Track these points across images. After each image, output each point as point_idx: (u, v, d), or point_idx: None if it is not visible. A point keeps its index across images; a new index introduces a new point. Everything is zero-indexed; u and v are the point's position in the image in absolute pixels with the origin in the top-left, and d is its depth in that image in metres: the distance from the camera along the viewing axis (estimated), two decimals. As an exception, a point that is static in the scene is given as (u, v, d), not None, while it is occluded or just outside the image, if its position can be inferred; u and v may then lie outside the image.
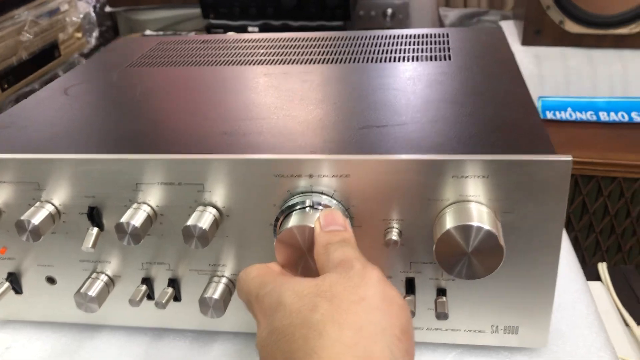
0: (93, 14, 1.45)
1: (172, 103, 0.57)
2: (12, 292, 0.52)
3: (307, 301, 0.33)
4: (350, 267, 0.35)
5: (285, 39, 0.73)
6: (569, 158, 0.39)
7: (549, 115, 1.45)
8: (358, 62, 0.63)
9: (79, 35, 1.43)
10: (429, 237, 0.43)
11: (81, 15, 1.41)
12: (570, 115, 1.45)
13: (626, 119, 1.42)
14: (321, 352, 0.30)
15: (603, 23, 1.51)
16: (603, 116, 1.43)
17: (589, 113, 1.44)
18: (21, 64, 1.27)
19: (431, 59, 0.61)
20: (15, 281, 0.52)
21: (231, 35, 0.75)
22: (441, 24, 2.37)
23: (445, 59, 0.61)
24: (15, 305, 0.53)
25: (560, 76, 1.52)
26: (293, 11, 1.72)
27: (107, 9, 2.07)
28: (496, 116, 0.47)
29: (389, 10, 2.35)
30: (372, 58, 0.63)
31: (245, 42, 0.72)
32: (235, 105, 0.54)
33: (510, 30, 1.73)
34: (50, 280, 0.52)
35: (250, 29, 1.76)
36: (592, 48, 1.54)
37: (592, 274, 0.87)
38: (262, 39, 0.73)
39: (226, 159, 0.44)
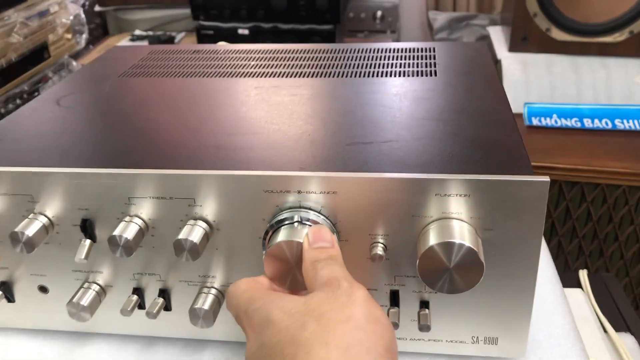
0: (83, 15, 1.45)
1: (164, 115, 0.58)
2: (4, 300, 0.53)
3: (295, 319, 0.35)
4: (337, 285, 0.37)
5: (275, 50, 0.74)
6: (546, 179, 0.41)
7: (535, 121, 1.48)
8: (347, 76, 0.64)
9: (69, 36, 1.43)
10: (412, 252, 0.45)
11: (71, 17, 1.41)
12: (556, 121, 1.47)
13: (610, 126, 1.45)
14: None
15: (588, 31, 1.54)
16: (587, 123, 1.46)
17: (573, 120, 1.47)
18: (10, 65, 1.27)
19: (418, 74, 0.63)
20: (7, 290, 0.53)
21: (222, 45, 0.76)
22: (430, 27, 2.39)
23: (431, 75, 0.63)
24: (8, 314, 0.54)
25: (546, 82, 1.55)
26: (283, 14, 1.73)
27: (97, 8, 2.07)
28: (479, 135, 0.49)
29: (379, 13, 2.37)
30: (361, 72, 0.65)
31: (236, 53, 0.74)
32: (226, 119, 0.56)
33: (498, 35, 1.76)
34: (43, 289, 0.53)
35: (240, 31, 1.77)
36: (578, 55, 1.57)
37: (572, 281, 0.89)
38: (252, 50, 0.75)
39: (217, 174, 0.45)
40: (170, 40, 1.95)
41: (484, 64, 0.64)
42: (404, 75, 0.63)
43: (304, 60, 0.70)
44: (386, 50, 0.71)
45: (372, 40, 2.30)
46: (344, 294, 0.36)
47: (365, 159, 0.46)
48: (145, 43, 1.95)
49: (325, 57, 0.70)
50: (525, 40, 1.57)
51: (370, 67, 0.66)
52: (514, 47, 1.60)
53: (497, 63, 1.62)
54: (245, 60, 0.71)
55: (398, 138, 0.49)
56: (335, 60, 0.69)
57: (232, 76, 0.66)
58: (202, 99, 0.61)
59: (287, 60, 0.70)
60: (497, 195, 0.42)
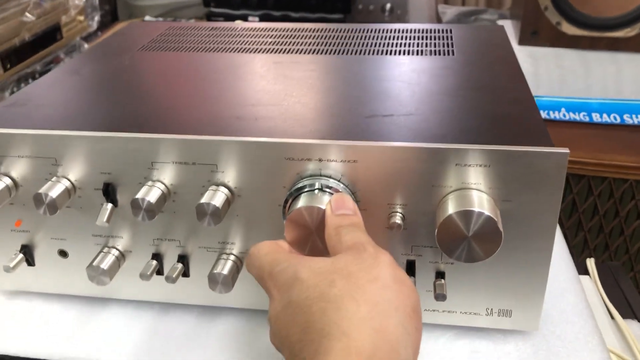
0: (95, -2, 1.46)
1: (184, 87, 0.58)
2: (24, 264, 0.54)
3: (324, 277, 0.35)
4: (363, 249, 0.37)
5: (292, 29, 0.75)
6: (565, 150, 0.42)
7: (543, 114, 1.48)
8: (364, 53, 0.65)
9: (81, 18, 1.44)
10: (430, 222, 0.46)
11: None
12: (564, 115, 1.48)
13: (618, 120, 1.45)
14: (341, 323, 0.32)
15: (599, 26, 1.54)
16: (596, 117, 1.46)
17: (582, 114, 1.47)
18: (23, 45, 1.28)
19: (435, 54, 0.63)
20: (28, 253, 0.54)
21: (239, 23, 0.77)
22: (439, 21, 2.39)
23: (448, 54, 0.63)
24: (28, 277, 0.55)
25: (555, 76, 1.55)
26: (293, 2, 1.74)
27: (108, -7, 2.07)
28: (497, 110, 0.50)
29: (388, 5, 2.37)
30: (378, 50, 0.65)
31: (253, 31, 0.74)
32: (246, 91, 0.56)
33: (508, 29, 1.76)
34: (63, 254, 0.53)
35: (250, 18, 1.78)
36: (587, 50, 1.57)
37: (580, 269, 0.90)
38: (269, 28, 0.75)
39: (239, 141, 0.46)
40: (180, 26, 1.95)
41: (502, 45, 0.64)
42: (421, 54, 0.64)
43: (321, 39, 0.70)
44: (403, 30, 0.71)
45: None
46: (370, 256, 0.37)
47: (385, 130, 0.47)
48: (155, 29, 1.96)
49: (342, 36, 0.71)
50: (535, 34, 1.57)
51: (387, 46, 0.67)
52: (523, 40, 1.60)
53: (506, 56, 1.62)
54: (262, 38, 0.71)
55: (417, 112, 0.50)
56: (353, 39, 0.70)
57: (250, 52, 0.67)
58: (221, 72, 0.61)
59: (305, 39, 0.71)
60: (516, 166, 0.43)
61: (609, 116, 1.46)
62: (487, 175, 0.43)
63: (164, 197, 0.47)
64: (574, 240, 1.43)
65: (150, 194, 0.47)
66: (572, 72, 1.55)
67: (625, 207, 1.37)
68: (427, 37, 0.69)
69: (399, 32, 0.71)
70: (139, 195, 0.46)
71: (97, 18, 1.47)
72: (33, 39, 1.30)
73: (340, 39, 0.70)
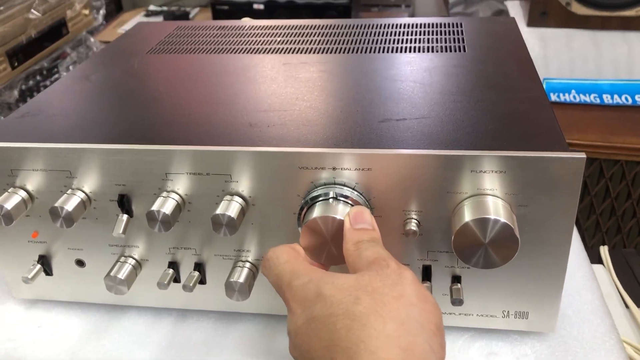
0: (100, -9, 1.45)
1: (195, 91, 0.58)
2: (43, 273, 0.54)
3: (348, 293, 0.35)
4: (385, 265, 0.38)
5: (300, 26, 0.74)
6: (582, 155, 0.41)
7: (553, 97, 1.46)
8: (374, 51, 0.64)
9: (87, 12, 1.43)
10: (446, 228, 0.45)
11: (89, -7, 1.41)
12: (574, 97, 1.46)
13: (630, 101, 1.43)
14: (368, 341, 0.32)
15: (609, 5, 1.51)
16: (607, 99, 1.45)
17: (592, 95, 1.46)
18: (30, 42, 1.27)
19: (446, 50, 0.63)
20: (46, 263, 0.54)
21: (247, 21, 0.76)
22: (445, 2, 2.36)
23: (459, 50, 0.62)
24: (46, 286, 0.56)
25: (565, 58, 1.53)
26: (299, -12, 1.72)
27: (111, -17, 2.06)
28: (511, 111, 0.49)
29: (394, -14, 2.34)
30: (388, 48, 0.65)
31: (261, 30, 0.73)
32: (257, 95, 0.56)
33: (516, 10, 1.73)
34: (80, 263, 0.54)
35: (255, 6, 1.76)
36: (598, 30, 1.54)
37: (593, 258, 0.90)
38: (277, 26, 0.74)
39: (252, 151, 0.45)
40: (184, 15, 1.94)
41: (513, 39, 0.63)
42: (432, 51, 0.63)
43: (329, 37, 0.70)
44: (413, 25, 0.71)
45: (386, 14, 2.28)
46: (393, 272, 0.37)
47: (398, 135, 0.47)
48: (159, 18, 1.95)
49: (350, 33, 0.70)
50: (544, 15, 1.55)
51: (397, 43, 0.66)
52: (532, 22, 1.58)
53: (515, 38, 1.60)
54: (271, 37, 0.71)
55: (430, 114, 0.50)
56: (361, 36, 0.69)
57: (259, 52, 0.66)
58: (231, 75, 0.61)
59: (313, 37, 0.70)
60: (532, 172, 0.42)
61: (620, 97, 1.44)
62: (502, 181, 0.43)
63: (179, 208, 0.48)
64: (586, 223, 1.43)
65: (166, 205, 0.47)
66: (583, 53, 1.53)
67: (637, 189, 1.36)
68: (437, 32, 0.68)
69: (408, 27, 0.71)
70: (154, 207, 0.46)
71: (102, 11, 1.46)
72: (39, 35, 1.30)
73: (349, 35, 0.70)
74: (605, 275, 0.84)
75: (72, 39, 1.42)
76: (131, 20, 1.96)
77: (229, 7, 1.79)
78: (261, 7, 1.76)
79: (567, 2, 1.52)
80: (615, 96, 1.44)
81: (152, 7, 2.03)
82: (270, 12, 1.76)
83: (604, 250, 0.92)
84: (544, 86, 1.47)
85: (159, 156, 0.47)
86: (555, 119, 0.47)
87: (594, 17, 1.53)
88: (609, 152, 1.33)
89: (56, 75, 1.38)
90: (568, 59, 1.53)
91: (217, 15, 1.79)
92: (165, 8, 2.02)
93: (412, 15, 2.38)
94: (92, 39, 1.48)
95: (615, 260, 0.89)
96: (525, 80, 0.54)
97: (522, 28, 1.59)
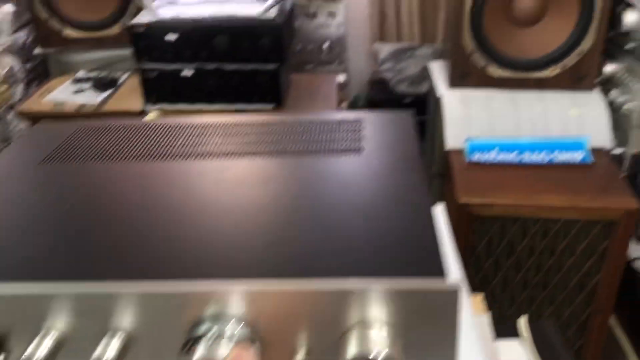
0: (18, 67, 1.42)
1: (81, 213, 0.56)
2: None
3: None
4: None
5: (201, 125, 0.74)
6: (456, 287, 0.42)
7: (477, 156, 1.51)
8: (271, 155, 0.64)
9: (4, 88, 1.40)
10: (336, 357, 0.45)
11: (5, 69, 1.38)
12: (496, 156, 1.51)
13: (547, 159, 1.49)
14: None
15: (524, 67, 1.59)
16: (527, 156, 1.50)
17: (514, 153, 1.51)
18: (-59, 123, 1.23)
19: (343, 152, 0.64)
20: None
21: (151, 119, 0.76)
22: (376, 58, 2.43)
23: (357, 152, 0.63)
24: None
25: (486, 118, 1.59)
26: (227, 54, 1.73)
27: (37, 50, 2.02)
28: (396, 231, 0.50)
29: (326, 44, 2.40)
30: (286, 149, 0.65)
31: (164, 130, 0.73)
32: (150, 215, 0.55)
33: (438, 71, 1.80)
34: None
35: (183, 72, 1.76)
36: (516, 90, 1.62)
37: (512, 331, 0.91)
38: (179, 126, 0.74)
39: (132, 292, 0.44)
40: (113, 82, 1.92)
41: (408, 141, 0.65)
42: (331, 153, 0.64)
43: (230, 137, 0.69)
44: (314, 122, 0.72)
45: (318, 74, 2.33)
46: None
47: (283, 263, 0.47)
48: (88, 85, 1.92)
49: (251, 133, 0.70)
50: (464, 77, 1.61)
51: (296, 143, 0.66)
52: (454, 82, 1.64)
53: (438, 100, 1.66)
54: (174, 139, 0.70)
55: (317, 236, 0.50)
56: (261, 135, 0.69)
57: (159, 159, 0.65)
58: (125, 187, 0.60)
59: (214, 137, 0.70)
60: (412, 302, 0.43)
61: (539, 154, 1.50)
62: (385, 310, 0.43)
63: (56, 349, 0.45)
64: (514, 281, 1.46)
65: (42, 347, 0.45)
66: (502, 113, 1.59)
67: (559, 245, 1.40)
68: (337, 129, 0.69)
69: (308, 125, 0.71)
70: (28, 352, 0.44)
71: (21, 87, 1.43)
72: (-49, 116, 1.25)
73: (248, 135, 0.70)
74: (522, 350, 0.85)
75: (-11, 117, 1.38)
76: (58, 88, 1.92)
77: (158, 73, 1.78)
78: (189, 73, 1.76)
79: (484, 65, 1.59)
80: (535, 154, 1.50)
81: (80, 74, 2.01)
82: (199, 78, 1.77)
83: (523, 322, 0.93)
84: (467, 146, 1.52)
85: (35, 297, 0.45)
86: (436, 241, 0.48)
87: (511, 78, 1.60)
88: (531, 212, 1.37)
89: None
90: (488, 118, 1.59)
91: (146, 82, 1.78)
92: (93, 74, 1.99)
93: (346, 71, 2.44)
94: (10, 115, 1.45)
95: (534, 332, 0.91)
96: (413, 194, 0.55)
97: (444, 90, 1.65)
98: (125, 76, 1.99)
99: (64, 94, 1.87)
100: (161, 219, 0.54)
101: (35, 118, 1.65)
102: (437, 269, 0.44)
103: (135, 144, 0.69)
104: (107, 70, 2.03)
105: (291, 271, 0.45)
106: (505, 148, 1.52)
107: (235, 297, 0.44)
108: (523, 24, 1.56)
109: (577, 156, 1.48)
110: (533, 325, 0.93)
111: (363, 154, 0.63)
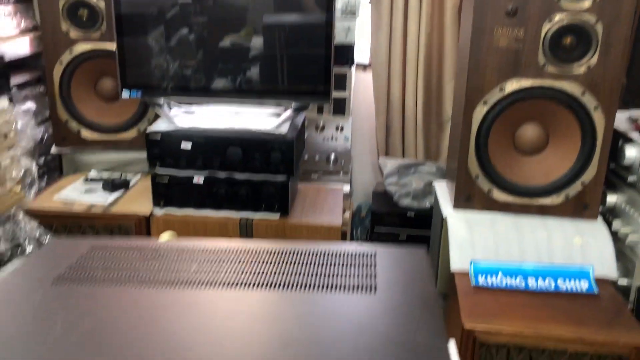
0: (34, 169, 1.45)
1: (93, 339, 0.56)
2: None
3: None
4: None
5: (215, 250, 0.75)
6: None
7: (481, 279, 1.51)
8: (290, 288, 0.65)
9: (18, 189, 1.43)
10: None
11: (22, 171, 1.41)
12: (501, 280, 1.51)
13: (552, 287, 1.49)
14: None
15: (527, 193, 1.62)
16: (531, 282, 1.50)
17: (518, 278, 1.51)
18: (-48, 222, 1.24)
19: (357, 289, 0.64)
20: None
21: (165, 237, 0.77)
22: (381, 172, 2.49)
23: (371, 290, 0.64)
24: None
25: (491, 241, 1.60)
26: (238, 164, 1.78)
27: (53, 150, 2.08)
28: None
29: (332, 156, 2.47)
30: (300, 283, 0.65)
31: (178, 254, 0.74)
32: (154, 347, 0.54)
33: (443, 190, 1.84)
34: None
35: (195, 179, 1.80)
36: (519, 215, 1.64)
37: None
38: (192, 250, 0.75)
39: None
40: (124, 184, 1.96)
41: (423, 278, 0.65)
42: (345, 290, 0.64)
43: (245, 264, 0.70)
44: (328, 254, 0.72)
45: (324, 184, 2.37)
46: None
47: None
48: (99, 185, 1.95)
49: (269, 261, 0.71)
50: (468, 199, 1.64)
51: (309, 277, 0.67)
52: (458, 204, 1.67)
53: (443, 220, 1.68)
54: (184, 263, 0.71)
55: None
56: (279, 265, 0.70)
57: (172, 285, 0.66)
58: (134, 318, 0.60)
59: (228, 264, 0.70)
60: None
61: (544, 281, 1.50)
62: None
63: None
64: (521, 413, 1.40)
65: None
66: (506, 237, 1.61)
67: (567, 378, 1.36)
68: (351, 263, 0.70)
69: (325, 256, 0.72)
70: None
71: (34, 189, 1.46)
72: (-37, 215, 1.27)
73: (266, 264, 0.70)
74: None
75: (0, 216, 1.39)
76: (70, 187, 1.95)
77: (170, 178, 1.82)
78: (201, 180, 1.80)
79: (488, 189, 1.63)
80: (540, 280, 1.50)
81: (92, 174, 2.05)
82: (209, 186, 1.80)
83: None
84: (472, 268, 1.52)
85: None
86: (453, 397, 0.47)
87: (514, 203, 1.63)
88: (536, 342, 1.34)
89: (-23, 255, 1.33)
90: (493, 241, 1.60)
91: (157, 186, 1.81)
92: (105, 176, 2.04)
93: (349, 182, 2.49)
94: (21, 215, 1.46)
95: None
96: (429, 338, 0.55)
97: (448, 210, 1.68)
98: (136, 178, 2.03)
99: (74, 192, 1.90)
100: (174, 352, 0.53)
101: (44, 217, 1.67)
102: None
103: (148, 267, 0.70)
104: (119, 172, 2.07)
105: None
106: (510, 273, 1.52)
107: None
108: (527, 152, 1.62)
109: (582, 285, 1.47)
110: None
111: (378, 291, 0.63)
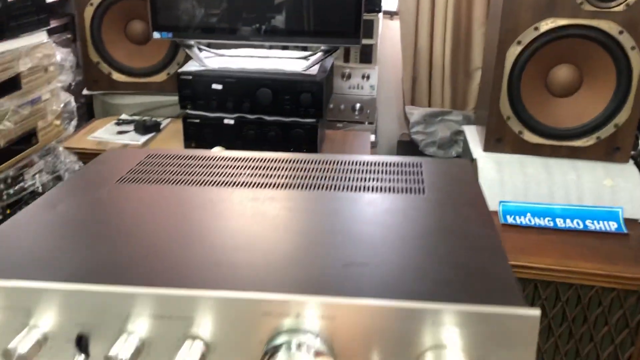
0: (73, 103, 1.48)
1: (162, 226, 0.59)
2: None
3: None
4: None
5: (269, 159, 0.77)
6: (536, 313, 0.43)
7: (510, 219, 1.52)
8: (340, 189, 0.67)
9: (58, 122, 1.46)
10: (407, 379, 0.46)
11: (62, 104, 1.44)
12: (530, 220, 1.52)
13: (581, 226, 1.50)
14: None
15: (558, 135, 1.62)
16: (560, 222, 1.51)
17: (546, 219, 1.52)
18: (-2, 151, 1.28)
19: (407, 191, 0.66)
20: (-9, 405, 0.51)
21: (217, 151, 0.79)
22: (407, 121, 2.49)
23: (419, 192, 0.66)
24: None
25: (520, 182, 1.61)
26: (268, 107, 1.79)
27: (84, 92, 2.11)
28: (469, 261, 0.51)
29: (358, 105, 2.46)
30: (352, 186, 0.68)
31: (232, 161, 0.76)
32: (224, 232, 0.57)
33: (473, 134, 1.84)
34: (28, 405, 0.51)
35: (225, 121, 1.82)
36: (549, 157, 1.64)
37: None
38: (248, 158, 0.77)
39: (216, 296, 0.46)
40: (156, 126, 1.99)
41: (470, 183, 0.67)
42: (393, 191, 0.66)
43: (297, 171, 0.72)
44: (377, 164, 0.74)
45: (350, 131, 2.38)
46: None
47: (361, 282, 0.48)
48: (130, 127, 1.99)
49: (319, 169, 0.73)
50: (499, 141, 1.65)
51: (361, 181, 0.69)
52: (488, 147, 1.67)
53: (472, 161, 1.69)
54: (240, 169, 0.73)
55: (391, 259, 0.51)
56: (329, 172, 0.72)
57: (228, 185, 0.68)
58: (200, 209, 0.63)
59: (282, 170, 0.73)
60: (489, 326, 0.44)
61: (572, 222, 1.51)
62: (461, 334, 0.44)
63: (138, 351, 0.47)
64: (545, 345, 1.43)
65: (125, 349, 0.46)
66: (536, 178, 1.61)
67: (592, 313, 1.39)
68: (398, 171, 0.72)
69: (372, 165, 0.74)
70: (112, 352, 0.46)
71: (74, 122, 1.49)
72: (8, 144, 1.31)
73: (315, 171, 0.73)
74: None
75: (41, 148, 1.43)
76: (102, 128, 1.99)
77: (200, 120, 1.84)
78: (231, 122, 1.82)
79: (519, 131, 1.63)
80: (568, 220, 1.51)
81: (123, 116, 2.08)
82: (239, 127, 1.82)
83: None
84: (501, 209, 1.54)
85: (121, 298, 0.47)
86: (511, 272, 0.49)
87: (545, 145, 1.63)
88: (564, 276, 1.37)
89: (21, 184, 1.37)
90: (522, 183, 1.61)
91: (188, 127, 1.84)
92: (136, 118, 2.06)
93: (374, 132, 2.49)
94: (60, 148, 1.50)
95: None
96: (481, 228, 0.57)
97: (479, 152, 1.68)
98: (166, 121, 2.06)
99: (107, 134, 1.94)
100: (237, 238, 0.56)
101: (79, 156, 1.71)
102: (513, 298, 0.45)
103: (203, 171, 0.73)
104: (149, 116, 2.10)
105: (368, 291, 0.47)
106: (538, 213, 1.53)
107: (313, 312, 0.45)
108: (559, 94, 1.61)
109: (611, 225, 1.48)
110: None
111: (426, 192, 0.65)
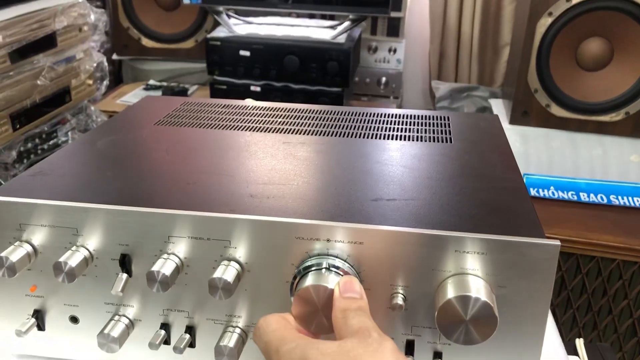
0: (106, 64, 1.52)
1: (199, 162, 0.62)
2: (35, 328, 0.55)
3: (331, 359, 0.38)
4: (368, 334, 0.40)
5: (300, 109, 0.79)
6: (557, 243, 0.45)
7: (533, 192, 1.53)
8: (367, 137, 0.69)
9: (90, 82, 1.50)
10: (430, 304, 0.48)
11: (95, 64, 1.48)
12: (553, 193, 1.53)
13: (605, 201, 1.50)
14: None
15: (586, 109, 1.61)
16: (583, 196, 1.51)
17: (570, 193, 1.52)
18: (34, 106, 1.32)
19: (433, 140, 0.68)
20: (40, 318, 0.55)
21: (249, 101, 0.82)
22: (432, 96, 2.49)
23: (446, 141, 0.68)
24: (37, 342, 0.57)
25: (545, 156, 1.61)
26: (294, 75, 1.81)
27: (114, 56, 2.15)
28: (493, 199, 0.53)
29: (383, 79, 2.46)
30: (380, 135, 0.70)
31: (263, 110, 0.79)
32: (258, 169, 0.60)
33: (499, 108, 1.84)
34: (74, 320, 0.55)
35: (252, 87, 1.84)
36: (576, 132, 1.64)
37: (569, 349, 0.91)
38: (278, 108, 0.80)
39: (252, 219, 0.49)
40: (183, 92, 2.02)
41: (496, 135, 0.69)
42: (420, 140, 0.68)
43: (326, 121, 0.75)
44: (403, 116, 0.76)
45: (375, 105, 2.39)
46: (375, 341, 0.39)
47: (389, 213, 0.50)
48: (158, 93, 2.02)
49: (345, 119, 0.75)
50: (525, 114, 1.65)
51: (388, 131, 0.71)
52: (514, 120, 1.67)
53: (498, 134, 1.69)
54: (272, 117, 0.76)
55: (418, 196, 0.54)
56: (355, 122, 0.74)
57: (260, 131, 0.71)
58: (234, 149, 0.65)
59: (311, 120, 0.75)
60: (510, 255, 0.46)
61: (596, 196, 1.51)
62: (483, 262, 0.46)
63: (177, 270, 0.50)
64: (563, 317, 1.45)
65: (165, 266, 0.49)
66: (561, 152, 1.61)
67: (612, 286, 1.39)
68: (425, 123, 0.73)
69: (398, 117, 0.76)
70: (154, 268, 0.49)
71: (105, 82, 1.53)
72: (43, 100, 1.35)
73: (343, 121, 0.75)
74: (580, 366, 0.86)
75: (74, 106, 1.47)
76: (130, 93, 2.03)
77: (227, 87, 1.87)
78: (258, 89, 1.84)
79: (547, 104, 1.62)
80: (592, 195, 1.51)
81: (151, 82, 2.12)
82: (266, 94, 1.84)
83: (579, 343, 0.94)
84: (525, 181, 1.55)
85: (163, 219, 0.50)
86: (533, 210, 0.51)
87: (572, 119, 1.63)
88: (585, 248, 1.38)
89: (54, 140, 1.42)
90: (547, 156, 1.61)
91: (215, 93, 1.87)
92: (164, 83, 2.10)
93: (399, 106, 2.49)
94: (92, 108, 1.54)
95: (590, 353, 0.91)
96: (506, 172, 0.59)
97: (504, 125, 1.68)
98: (194, 87, 2.09)
99: (136, 98, 1.97)
100: (270, 175, 0.59)
101: (109, 117, 1.75)
102: (534, 230, 0.47)
103: (236, 118, 0.75)
104: (177, 81, 2.13)
105: (395, 221, 0.49)
106: (562, 187, 1.54)
107: (342, 237, 0.48)
108: (588, 67, 1.60)
109: (636, 201, 1.48)
110: (590, 346, 0.93)
111: (454, 142, 0.67)
